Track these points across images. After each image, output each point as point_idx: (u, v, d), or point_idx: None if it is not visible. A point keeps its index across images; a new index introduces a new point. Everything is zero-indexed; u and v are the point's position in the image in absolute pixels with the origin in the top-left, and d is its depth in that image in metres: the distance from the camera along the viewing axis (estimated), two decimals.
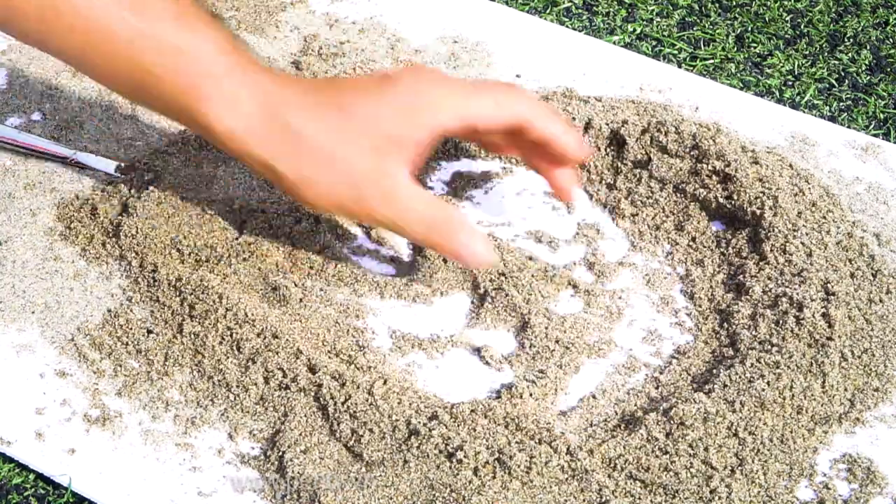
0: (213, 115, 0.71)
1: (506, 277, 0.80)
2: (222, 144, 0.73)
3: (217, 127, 0.71)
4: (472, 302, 0.80)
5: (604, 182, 0.87)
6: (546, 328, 0.78)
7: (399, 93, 0.73)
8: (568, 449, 0.69)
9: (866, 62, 1.01)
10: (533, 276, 0.80)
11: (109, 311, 0.77)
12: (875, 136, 0.94)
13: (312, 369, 0.73)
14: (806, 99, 0.97)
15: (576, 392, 0.75)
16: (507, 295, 0.79)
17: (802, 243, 0.81)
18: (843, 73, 1.00)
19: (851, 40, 1.03)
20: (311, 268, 0.80)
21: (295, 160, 0.71)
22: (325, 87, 0.75)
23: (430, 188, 0.87)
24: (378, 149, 0.72)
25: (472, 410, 0.71)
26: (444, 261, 0.81)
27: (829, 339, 0.75)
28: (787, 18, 1.04)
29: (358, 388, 0.72)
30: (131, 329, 0.76)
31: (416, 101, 0.73)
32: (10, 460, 0.71)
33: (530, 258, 0.81)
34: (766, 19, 1.04)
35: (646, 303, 0.80)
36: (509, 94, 0.76)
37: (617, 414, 0.74)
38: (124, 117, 0.89)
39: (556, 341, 0.77)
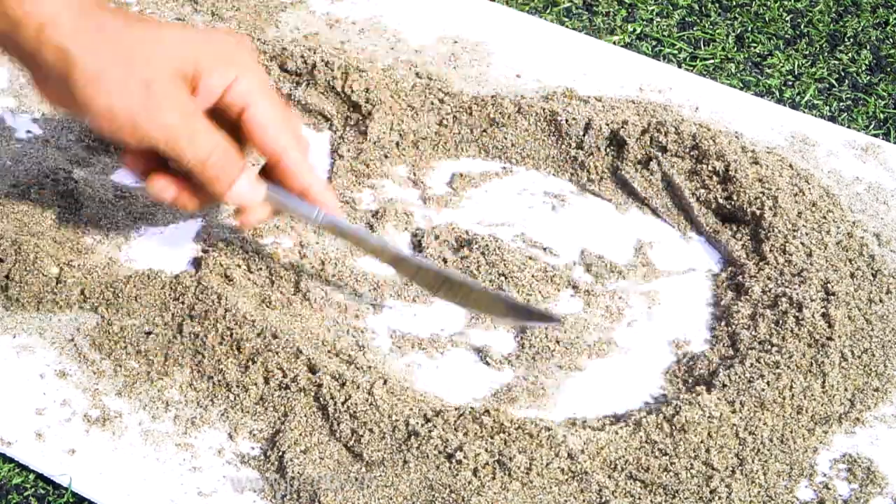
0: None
1: (506, 277, 0.80)
2: (18, 25, 0.67)
3: (20, 8, 0.66)
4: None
5: (604, 182, 0.87)
6: (546, 328, 0.78)
7: (220, 36, 0.72)
8: (568, 450, 0.69)
9: (866, 62, 1.01)
10: (533, 276, 0.80)
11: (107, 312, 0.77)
12: (875, 136, 0.94)
13: (312, 369, 0.73)
14: (806, 99, 0.97)
15: (576, 392, 0.75)
16: (512, 292, 0.79)
17: (802, 243, 0.81)
18: (843, 73, 1.00)
19: (851, 40, 1.03)
20: (312, 268, 0.80)
21: (96, 53, 0.67)
22: (140, 17, 0.73)
23: (430, 188, 0.87)
24: (181, 66, 0.69)
25: (472, 411, 0.71)
26: (445, 260, 0.81)
27: (829, 339, 0.75)
28: (787, 18, 1.04)
29: (358, 388, 0.72)
30: (131, 330, 0.76)
31: (228, 49, 0.71)
32: (10, 460, 0.71)
33: (530, 258, 0.81)
34: (766, 19, 1.04)
35: (646, 303, 0.80)
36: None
37: (617, 414, 0.74)
38: None
39: (557, 341, 0.77)
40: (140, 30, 0.69)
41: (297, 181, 0.73)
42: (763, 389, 0.73)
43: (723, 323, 0.78)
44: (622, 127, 0.87)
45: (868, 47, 1.02)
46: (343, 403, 0.71)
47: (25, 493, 0.70)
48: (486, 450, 0.69)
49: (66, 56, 0.67)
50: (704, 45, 1.02)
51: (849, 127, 0.94)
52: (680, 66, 0.99)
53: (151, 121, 0.68)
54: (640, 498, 0.69)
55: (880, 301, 0.78)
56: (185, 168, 0.71)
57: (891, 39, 1.03)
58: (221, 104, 0.71)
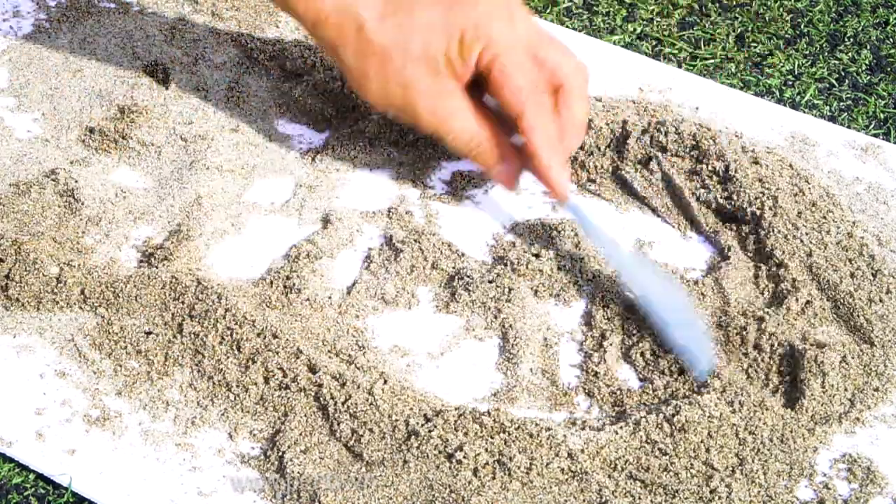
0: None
1: (505, 277, 0.80)
2: (300, 19, 0.79)
3: (298, 5, 0.77)
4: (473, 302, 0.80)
5: (604, 182, 0.87)
6: (547, 329, 0.78)
7: (465, 11, 0.76)
8: (568, 450, 0.69)
9: (866, 62, 1.01)
10: (533, 275, 0.80)
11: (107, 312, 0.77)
12: (875, 136, 0.94)
13: (312, 369, 0.73)
14: (806, 99, 0.97)
15: (575, 393, 0.75)
16: (506, 295, 0.79)
17: (802, 243, 0.81)
18: (843, 73, 1.00)
19: (851, 40, 1.03)
20: (314, 271, 0.80)
21: (355, 54, 0.77)
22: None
23: (431, 188, 0.87)
24: (430, 62, 0.76)
25: (472, 411, 0.71)
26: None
27: (829, 339, 0.75)
28: (787, 18, 1.05)
29: (358, 388, 0.72)
30: (131, 330, 0.76)
31: (479, 29, 0.75)
32: (10, 460, 0.71)
33: (536, 255, 0.81)
34: (767, 19, 1.04)
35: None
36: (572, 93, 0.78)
37: (617, 414, 0.74)
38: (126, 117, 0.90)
39: (557, 342, 0.77)
40: (392, 29, 0.76)
41: (527, 147, 0.78)
42: (763, 389, 0.73)
43: (723, 323, 0.78)
44: (622, 127, 0.87)
45: (868, 47, 1.02)
46: (343, 403, 0.71)
47: (25, 493, 0.70)
48: (486, 450, 0.69)
49: (338, 55, 0.78)
50: (704, 45, 1.02)
51: (849, 127, 0.94)
52: (680, 66, 0.99)
53: (415, 116, 0.78)
54: (640, 498, 0.69)
55: (880, 301, 0.78)
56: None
57: (891, 39, 1.03)
58: (482, 74, 0.77)
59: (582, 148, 0.88)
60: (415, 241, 0.82)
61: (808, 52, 1.01)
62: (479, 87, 0.79)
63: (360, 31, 0.76)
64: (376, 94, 0.78)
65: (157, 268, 0.78)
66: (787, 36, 1.03)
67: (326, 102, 0.91)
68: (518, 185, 0.81)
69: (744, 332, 0.76)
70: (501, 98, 0.77)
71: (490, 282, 0.80)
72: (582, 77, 0.79)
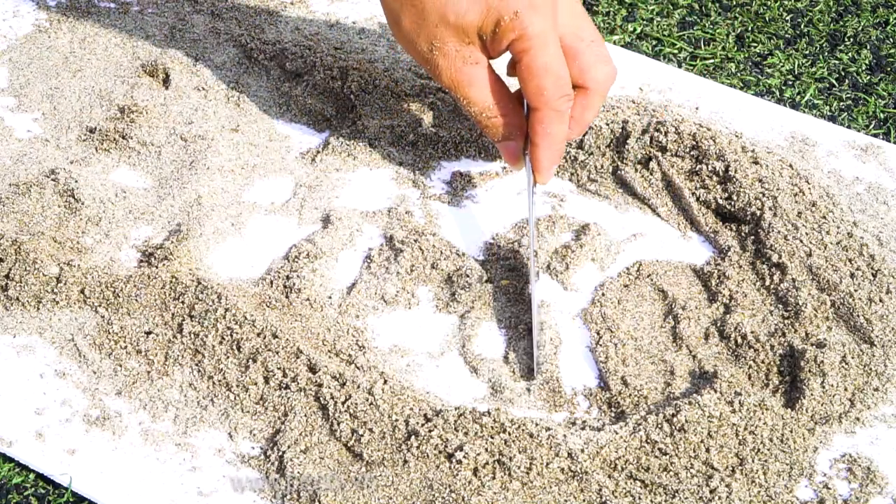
0: None
1: (506, 278, 0.80)
2: None
3: None
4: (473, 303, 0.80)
5: (604, 182, 0.87)
6: (546, 328, 0.78)
7: (510, 1, 0.75)
8: (568, 450, 0.69)
9: (866, 62, 1.01)
10: (533, 274, 0.81)
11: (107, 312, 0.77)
12: (875, 136, 0.94)
13: (312, 369, 0.73)
14: (806, 99, 0.97)
15: (575, 393, 0.75)
16: (507, 294, 0.79)
17: (802, 243, 0.81)
18: (843, 73, 1.00)
19: (851, 40, 1.03)
20: (314, 271, 0.80)
21: (399, 4, 0.76)
22: None
23: (431, 188, 0.87)
24: (462, 30, 0.76)
25: (472, 411, 0.71)
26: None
27: (829, 339, 0.75)
28: (787, 18, 1.05)
29: (358, 388, 0.72)
30: (131, 330, 0.76)
31: (517, 20, 0.75)
32: (10, 460, 0.71)
33: (536, 254, 0.81)
34: (767, 19, 1.04)
35: (646, 302, 0.80)
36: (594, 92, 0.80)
37: (617, 414, 0.74)
38: (125, 116, 0.90)
39: (556, 342, 0.77)
40: None
41: (531, 135, 0.79)
42: (763, 389, 0.73)
43: (723, 323, 0.78)
44: (622, 127, 0.87)
45: (868, 47, 1.02)
46: (343, 403, 0.71)
47: (25, 493, 0.70)
48: (486, 450, 0.69)
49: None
50: (704, 45, 1.02)
51: (849, 127, 0.94)
52: (680, 66, 0.99)
53: (434, 72, 0.78)
54: (640, 498, 0.69)
55: (880, 301, 0.78)
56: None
57: (891, 39, 1.03)
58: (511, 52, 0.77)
59: (582, 148, 0.88)
60: (415, 241, 0.82)
61: (808, 52, 1.01)
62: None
63: None
64: (404, 40, 0.78)
65: (157, 268, 0.78)
66: (787, 36, 1.03)
67: (326, 102, 0.91)
68: (518, 165, 0.81)
69: (744, 333, 0.76)
70: (524, 89, 0.77)
71: (490, 282, 0.80)
72: (609, 85, 0.80)
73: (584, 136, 0.88)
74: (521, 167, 0.81)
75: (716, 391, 0.73)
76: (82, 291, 0.77)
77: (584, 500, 0.68)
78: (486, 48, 0.77)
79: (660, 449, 0.70)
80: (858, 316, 0.77)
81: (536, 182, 0.80)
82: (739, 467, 0.70)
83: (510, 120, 0.79)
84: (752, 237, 0.82)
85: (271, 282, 0.79)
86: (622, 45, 1.00)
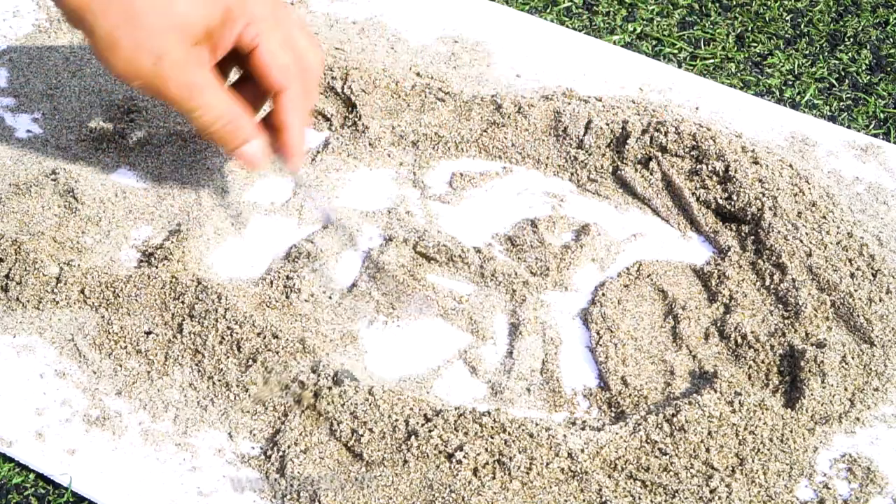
0: None
1: (504, 279, 0.80)
2: None
3: None
4: (472, 304, 0.80)
5: (604, 182, 0.87)
6: (546, 328, 0.78)
7: None
8: (568, 450, 0.69)
9: (866, 62, 1.01)
10: (533, 275, 0.81)
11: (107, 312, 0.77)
12: (875, 136, 0.94)
13: (313, 369, 0.73)
14: (806, 99, 0.97)
15: (575, 393, 0.75)
16: (506, 295, 0.80)
17: (802, 243, 0.81)
18: (843, 73, 1.00)
19: (851, 40, 1.03)
20: (314, 271, 0.80)
21: (106, 16, 0.70)
22: None
23: (431, 188, 0.87)
24: (189, 33, 0.72)
25: (472, 411, 0.71)
26: (447, 258, 0.81)
27: (829, 339, 0.75)
28: (787, 18, 1.05)
29: (358, 388, 0.72)
30: (131, 330, 0.76)
31: (245, 6, 0.73)
32: (10, 460, 0.71)
33: (536, 255, 0.81)
34: (767, 19, 1.04)
35: (646, 302, 0.80)
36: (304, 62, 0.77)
37: (617, 414, 0.74)
38: (125, 115, 0.89)
39: (556, 342, 0.77)
40: None
41: (282, 119, 0.77)
42: (763, 389, 0.73)
43: (722, 323, 0.78)
44: (622, 127, 0.87)
45: (868, 47, 1.02)
46: (343, 404, 0.71)
47: (25, 493, 0.70)
48: (486, 450, 0.69)
49: (84, 19, 0.71)
50: (704, 45, 1.02)
51: (849, 127, 0.94)
52: (680, 66, 0.99)
53: (163, 88, 0.73)
54: (640, 498, 0.69)
55: (880, 301, 0.78)
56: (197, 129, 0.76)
57: (891, 39, 1.03)
58: (238, 49, 0.75)
59: (581, 148, 0.88)
60: (415, 241, 0.82)
61: (808, 52, 1.01)
62: (221, 67, 0.77)
63: None
64: (124, 62, 0.71)
65: (157, 268, 0.78)
66: (787, 36, 1.03)
67: (326, 102, 0.91)
68: (263, 165, 0.79)
69: (744, 333, 0.76)
70: (264, 74, 0.75)
71: (490, 282, 0.80)
72: (321, 69, 0.79)
73: (584, 135, 0.88)
74: (267, 166, 0.80)
75: (716, 391, 0.73)
76: (82, 291, 0.77)
77: (584, 500, 0.68)
78: (215, 46, 0.74)
79: (660, 449, 0.70)
80: (858, 316, 0.77)
81: (292, 170, 0.79)
82: (739, 467, 0.70)
83: (246, 121, 0.76)
84: (752, 237, 0.82)
85: (271, 282, 0.79)
86: (622, 45, 1.00)
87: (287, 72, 0.75)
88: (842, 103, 0.97)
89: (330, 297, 0.79)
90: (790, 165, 0.87)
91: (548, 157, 0.88)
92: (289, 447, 0.70)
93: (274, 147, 0.78)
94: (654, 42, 1.02)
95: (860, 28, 1.04)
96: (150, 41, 0.71)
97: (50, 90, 0.92)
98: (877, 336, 0.77)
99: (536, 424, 0.70)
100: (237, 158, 0.78)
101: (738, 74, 0.99)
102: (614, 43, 1.01)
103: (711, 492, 0.69)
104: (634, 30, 1.03)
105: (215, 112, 0.75)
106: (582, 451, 0.69)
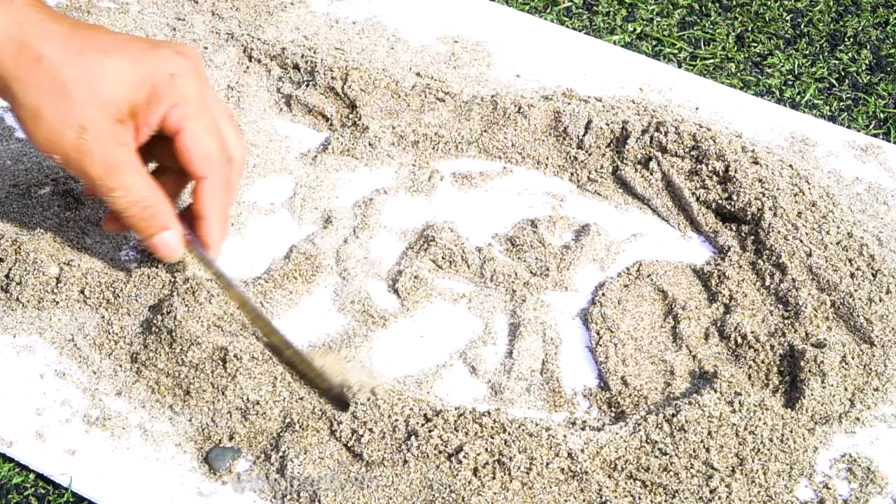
0: None
1: (504, 279, 0.80)
2: None
3: None
4: (470, 305, 0.80)
5: (604, 182, 0.87)
6: (546, 328, 0.78)
7: (158, 64, 0.71)
8: (568, 450, 0.69)
9: (866, 62, 1.01)
10: (533, 275, 0.81)
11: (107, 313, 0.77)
12: (875, 135, 0.94)
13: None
14: (806, 99, 0.97)
15: (575, 393, 0.75)
16: (506, 295, 0.80)
17: (802, 243, 0.81)
18: (843, 73, 1.00)
19: (851, 40, 1.03)
20: (316, 269, 0.80)
21: (30, 86, 0.69)
22: (93, 32, 0.72)
23: (431, 188, 0.87)
24: (114, 107, 0.70)
25: (472, 411, 0.71)
26: (443, 262, 0.81)
27: (829, 339, 0.75)
28: (787, 18, 1.05)
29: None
30: (131, 330, 0.76)
31: (173, 86, 0.71)
32: (10, 460, 0.71)
33: (537, 255, 0.81)
34: (767, 19, 1.04)
35: (646, 302, 0.80)
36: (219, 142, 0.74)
37: (617, 414, 0.74)
38: None
39: (556, 342, 0.77)
40: (78, 66, 0.69)
41: (200, 208, 0.74)
42: (763, 389, 0.73)
43: (722, 323, 0.78)
44: (622, 126, 0.87)
45: (868, 47, 1.02)
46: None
47: (25, 493, 0.70)
48: (486, 450, 0.69)
49: (9, 88, 0.69)
50: (704, 45, 1.02)
51: (849, 127, 0.94)
52: (680, 66, 0.99)
53: (84, 163, 0.70)
54: (640, 498, 0.69)
55: (880, 301, 0.78)
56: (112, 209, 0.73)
57: (891, 39, 1.03)
58: (162, 131, 0.72)
59: (581, 148, 0.88)
60: (415, 241, 0.82)
61: (808, 52, 1.01)
62: (144, 155, 0.74)
63: (40, 63, 0.69)
64: (45, 134, 0.70)
65: (157, 268, 0.78)
66: (787, 36, 1.03)
67: (326, 102, 0.91)
68: (178, 255, 0.75)
69: (744, 333, 0.76)
70: (186, 159, 0.73)
71: (490, 282, 0.80)
72: (244, 163, 0.76)
73: (584, 135, 0.88)
74: (182, 255, 0.76)
75: (716, 391, 0.73)
76: (82, 291, 0.77)
77: (584, 500, 0.68)
78: (138, 125, 0.71)
79: (660, 449, 0.70)
80: (858, 316, 0.77)
81: (212, 254, 0.75)
82: (739, 467, 0.70)
83: (166, 207, 0.73)
84: (752, 237, 0.82)
85: (271, 282, 0.79)
86: (622, 45, 1.00)
87: (210, 159, 0.73)
88: (842, 103, 0.97)
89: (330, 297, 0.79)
90: (790, 165, 0.87)
91: (548, 157, 0.88)
92: (289, 447, 0.70)
93: (192, 237, 0.75)
94: (654, 42, 1.02)
95: (860, 28, 1.04)
96: (75, 114, 0.69)
97: None
98: (877, 336, 0.77)
99: (536, 424, 0.70)
100: (151, 249, 0.75)
101: (738, 74, 0.99)
102: (614, 43, 1.01)
103: (711, 492, 0.69)
104: (634, 30, 1.03)
105: (134, 195, 0.72)
106: (582, 451, 0.69)
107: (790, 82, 0.99)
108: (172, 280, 0.77)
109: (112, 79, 0.70)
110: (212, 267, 0.75)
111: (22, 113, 0.70)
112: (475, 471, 0.68)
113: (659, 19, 1.04)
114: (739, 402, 0.72)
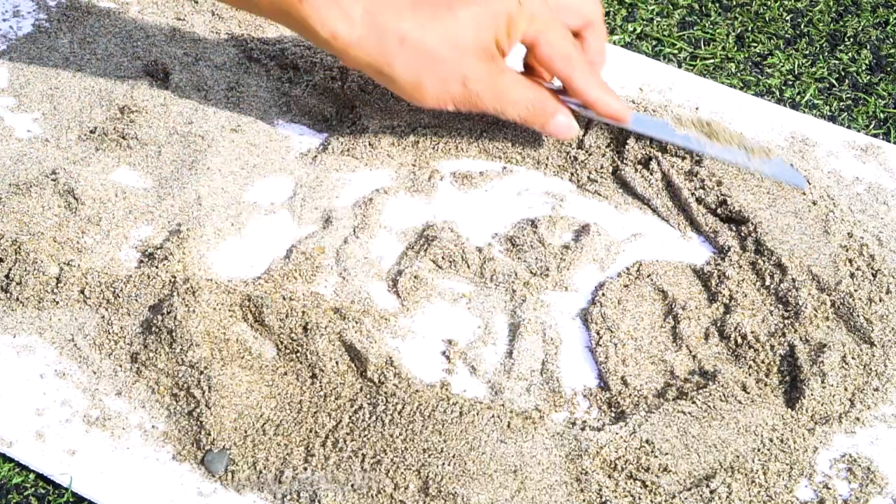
0: (317, 18, 0.77)
1: (504, 279, 0.80)
2: (325, 45, 0.78)
3: (320, 30, 0.77)
4: (469, 305, 0.80)
5: (604, 182, 0.87)
6: (546, 328, 0.78)
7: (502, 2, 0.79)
8: (568, 450, 0.69)
9: (866, 62, 1.01)
10: (533, 275, 0.81)
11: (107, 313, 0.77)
12: (875, 136, 0.94)
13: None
14: (806, 99, 0.97)
15: (575, 393, 0.75)
16: (506, 295, 0.80)
17: (802, 243, 0.81)
18: (843, 73, 1.00)
19: (851, 40, 1.03)
20: (316, 268, 0.80)
21: (405, 64, 0.77)
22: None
23: (431, 188, 0.87)
24: (484, 50, 0.79)
25: (472, 406, 0.71)
26: (443, 264, 0.81)
27: (829, 339, 0.75)
28: (787, 18, 1.05)
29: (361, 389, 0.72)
30: (131, 330, 0.76)
31: (522, 9, 0.79)
32: (10, 460, 0.71)
33: (537, 255, 0.81)
34: (767, 19, 1.04)
35: (646, 302, 0.80)
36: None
37: (617, 414, 0.74)
38: (124, 115, 0.90)
39: (556, 342, 0.77)
40: (437, 31, 0.77)
41: (585, 99, 0.83)
42: (762, 389, 0.73)
43: (722, 323, 0.78)
44: (622, 127, 0.87)
45: (868, 47, 1.02)
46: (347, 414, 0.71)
47: (25, 493, 0.70)
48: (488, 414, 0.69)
49: (374, 67, 0.78)
50: (704, 45, 1.02)
51: (849, 127, 0.94)
52: (680, 66, 0.99)
53: (477, 103, 0.80)
54: (640, 498, 0.69)
55: (880, 301, 0.78)
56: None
57: (891, 39, 1.03)
58: (523, 44, 0.82)
59: (581, 147, 0.88)
60: (415, 241, 0.82)
61: (808, 52, 1.01)
62: None
63: (405, 43, 0.77)
64: (434, 97, 0.79)
65: (157, 268, 0.78)
66: (787, 36, 1.03)
67: (326, 102, 0.91)
68: (575, 131, 0.84)
69: (744, 333, 0.76)
70: (550, 66, 0.82)
71: (490, 282, 0.80)
72: (600, 10, 0.86)
73: (584, 135, 0.88)
74: (578, 132, 0.84)
75: (716, 391, 0.73)
76: (82, 291, 0.77)
77: (584, 500, 0.68)
78: (505, 51, 0.81)
79: (660, 449, 0.70)
80: (858, 316, 0.77)
81: (623, 122, 0.85)
82: (739, 467, 0.70)
83: (549, 97, 0.82)
84: (752, 237, 0.82)
85: (271, 282, 0.79)
86: (622, 45, 1.00)
87: (570, 61, 0.81)
88: (842, 103, 0.97)
89: (330, 297, 0.79)
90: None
91: (548, 157, 0.88)
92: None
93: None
94: (654, 42, 1.02)
95: (860, 28, 1.04)
96: (453, 71, 0.78)
97: (50, 90, 0.92)
98: (877, 336, 0.77)
99: (535, 423, 0.70)
100: (550, 134, 0.84)
101: (738, 74, 0.99)
102: (614, 43, 1.01)
103: (711, 492, 0.69)
104: (634, 30, 1.03)
105: (524, 104, 0.81)
106: (582, 451, 0.69)
107: (790, 82, 0.99)
108: (172, 280, 0.77)
109: (472, 27, 0.78)
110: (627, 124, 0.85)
111: (404, 89, 0.79)
112: (470, 415, 0.68)
113: (659, 19, 1.04)
114: (739, 402, 0.72)
